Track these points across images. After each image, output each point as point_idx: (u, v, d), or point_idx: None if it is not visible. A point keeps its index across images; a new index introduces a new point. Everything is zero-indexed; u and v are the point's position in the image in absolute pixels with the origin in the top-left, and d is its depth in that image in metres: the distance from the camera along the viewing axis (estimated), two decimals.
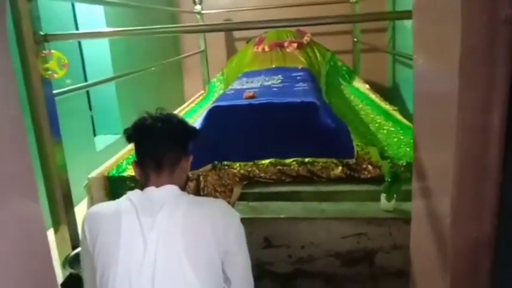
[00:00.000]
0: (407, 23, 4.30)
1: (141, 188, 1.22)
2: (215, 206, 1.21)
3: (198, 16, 4.69)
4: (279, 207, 1.85)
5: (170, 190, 1.20)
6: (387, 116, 2.97)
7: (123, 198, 1.20)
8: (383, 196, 1.75)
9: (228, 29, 4.47)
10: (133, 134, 1.28)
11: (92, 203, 2.19)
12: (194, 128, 1.35)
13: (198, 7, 4.67)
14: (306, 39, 4.34)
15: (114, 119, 4.07)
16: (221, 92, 4.29)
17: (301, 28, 4.48)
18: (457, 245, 0.78)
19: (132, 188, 2.14)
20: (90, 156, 3.50)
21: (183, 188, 1.29)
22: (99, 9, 3.72)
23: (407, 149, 2.25)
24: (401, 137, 2.46)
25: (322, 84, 3.79)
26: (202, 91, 4.67)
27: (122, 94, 4.04)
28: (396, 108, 3.22)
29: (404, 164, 2.04)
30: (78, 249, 1.87)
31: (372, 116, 3.05)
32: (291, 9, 4.84)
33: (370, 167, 2.03)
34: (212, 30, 4.68)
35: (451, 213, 0.75)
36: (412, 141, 2.41)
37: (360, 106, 3.38)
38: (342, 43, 4.97)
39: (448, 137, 0.76)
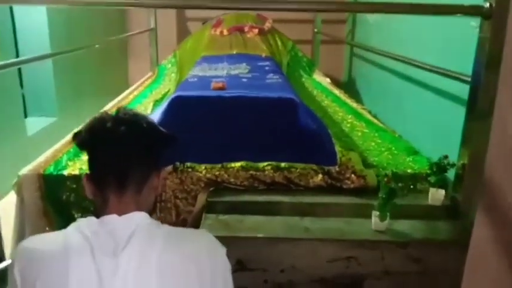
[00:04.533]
0: (370, 16, 4.15)
1: (96, 214, 0.90)
2: (201, 242, 0.91)
3: None
4: (256, 223, 1.58)
5: (139, 219, 0.89)
6: (358, 115, 2.78)
7: (72, 229, 0.87)
8: (375, 214, 1.54)
9: (183, 6, 3.99)
10: (87, 140, 0.94)
11: (22, 206, 1.80)
12: (169, 134, 1.04)
13: None
14: (267, 25, 4.07)
15: (50, 100, 3.58)
16: (172, 75, 3.94)
17: (262, 13, 4.20)
18: None
19: (74, 190, 1.82)
20: (19, 141, 3.03)
21: (152, 212, 0.98)
22: None
23: (390, 156, 2.06)
24: (379, 141, 2.27)
25: None
26: (151, 73, 4.26)
27: (60, 71, 3.55)
28: (364, 107, 3.05)
29: (390, 174, 1.84)
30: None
31: (340, 114, 2.85)
32: None
33: (353, 176, 1.80)
34: (164, 7, 4.25)
35: None
36: (391, 146, 2.25)
37: (326, 102, 3.17)
38: (302, 32, 4.74)
39: None
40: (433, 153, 2.44)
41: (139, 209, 0.91)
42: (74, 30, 3.71)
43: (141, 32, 4.36)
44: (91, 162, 0.95)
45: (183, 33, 4.99)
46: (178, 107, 1.87)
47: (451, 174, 1.77)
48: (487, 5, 1.49)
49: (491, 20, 1.49)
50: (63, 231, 0.87)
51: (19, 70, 3.35)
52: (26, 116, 3.54)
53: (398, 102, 3.09)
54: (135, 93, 3.42)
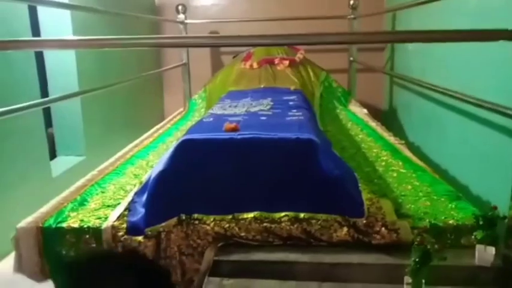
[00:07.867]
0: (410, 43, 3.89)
1: None
2: None
3: (181, 26, 4.23)
4: None
5: None
6: (394, 151, 2.50)
7: None
8: (407, 281, 1.28)
9: (212, 44, 3.83)
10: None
11: (20, 262, 1.67)
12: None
13: (181, 16, 4.22)
14: (298, 56, 3.90)
15: (78, 138, 3.55)
16: (202, 110, 3.84)
17: None
18: None
19: (73, 245, 1.66)
20: (43, 183, 2.97)
21: None
22: (65, 15, 3.21)
23: (428, 202, 1.79)
24: (417, 183, 1.99)
25: (315, 108, 3.34)
26: (182, 109, 4.19)
27: (89, 107, 3.52)
28: (403, 141, 2.77)
29: (428, 227, 1.58)
30: None
31: (375, 150, 2.59)
32: (283, 22, 4.43)
33: (384, 229, 1.55)
34: (194, 45, 4.19)
35: None
36: (430, 190, 1.98)
37: (360, 136, 2.91)
38: (336, 61, 4.54)
39: None
40: (480, 189, 2.16)
41: None
42: (104, 65, 3.68)
43: (173, 67, 4.33)
44: None
45: (217, 66, 4.93)
46: (185, 151, 1.71)
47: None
48: None
49: None
50: None
51: (48, 109, 3.35)
52: (55, 156, 3.52)
53: (443, 133, 2.81)
54: (161, 131, 3.31)
